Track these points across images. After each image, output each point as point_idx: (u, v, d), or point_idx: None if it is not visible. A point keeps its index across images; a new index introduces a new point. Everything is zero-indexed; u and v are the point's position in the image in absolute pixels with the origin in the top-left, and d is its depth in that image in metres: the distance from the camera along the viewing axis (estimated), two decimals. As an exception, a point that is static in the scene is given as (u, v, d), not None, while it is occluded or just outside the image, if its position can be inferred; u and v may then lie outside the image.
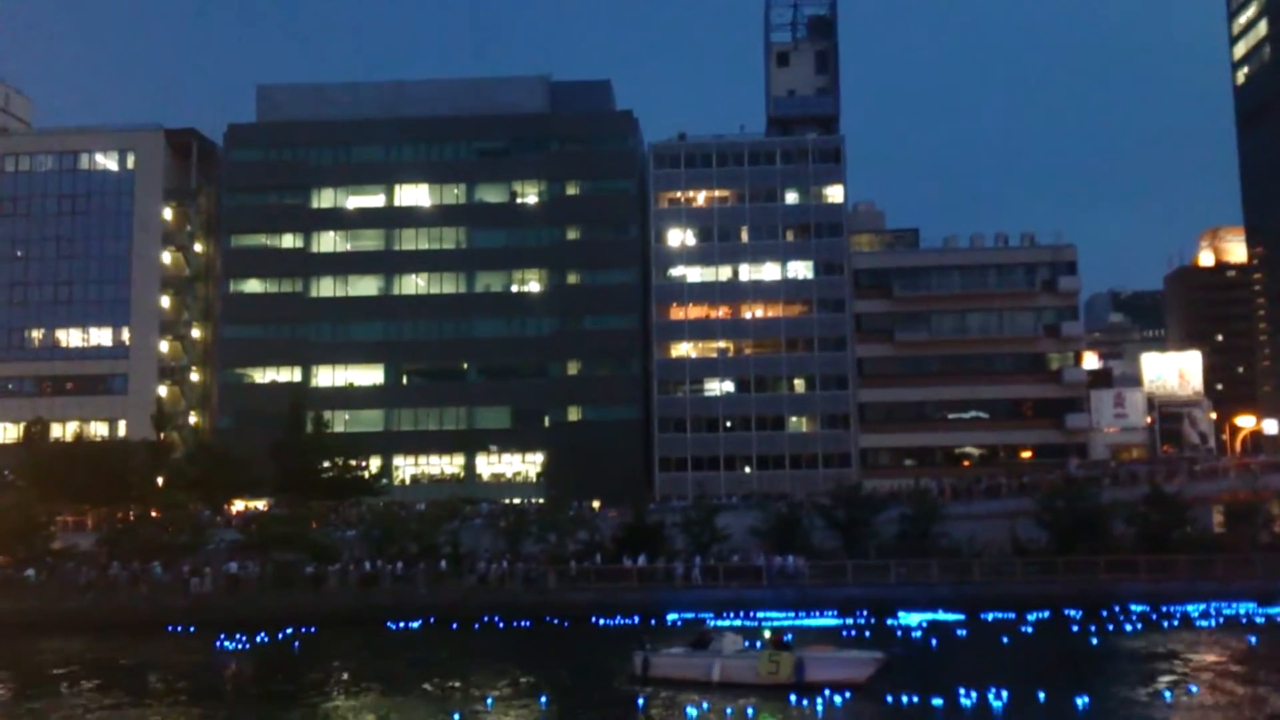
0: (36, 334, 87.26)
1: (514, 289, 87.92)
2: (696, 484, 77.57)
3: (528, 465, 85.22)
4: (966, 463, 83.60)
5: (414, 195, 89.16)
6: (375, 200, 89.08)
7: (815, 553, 58.20)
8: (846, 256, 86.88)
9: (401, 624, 50.45)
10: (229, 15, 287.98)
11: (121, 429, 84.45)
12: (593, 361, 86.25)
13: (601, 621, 50.41)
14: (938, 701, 28.66)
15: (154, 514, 65.60)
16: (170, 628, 50.46)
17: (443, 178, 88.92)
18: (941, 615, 49.64)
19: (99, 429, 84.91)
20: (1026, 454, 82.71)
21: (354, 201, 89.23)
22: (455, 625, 49.48)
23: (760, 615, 50.02)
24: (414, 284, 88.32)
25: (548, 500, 70.88)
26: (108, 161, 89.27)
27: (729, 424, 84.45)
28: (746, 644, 33.62)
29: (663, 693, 31.20)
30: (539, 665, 37.83)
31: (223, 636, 45.89)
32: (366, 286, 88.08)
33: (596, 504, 69.79)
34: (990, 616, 49.26)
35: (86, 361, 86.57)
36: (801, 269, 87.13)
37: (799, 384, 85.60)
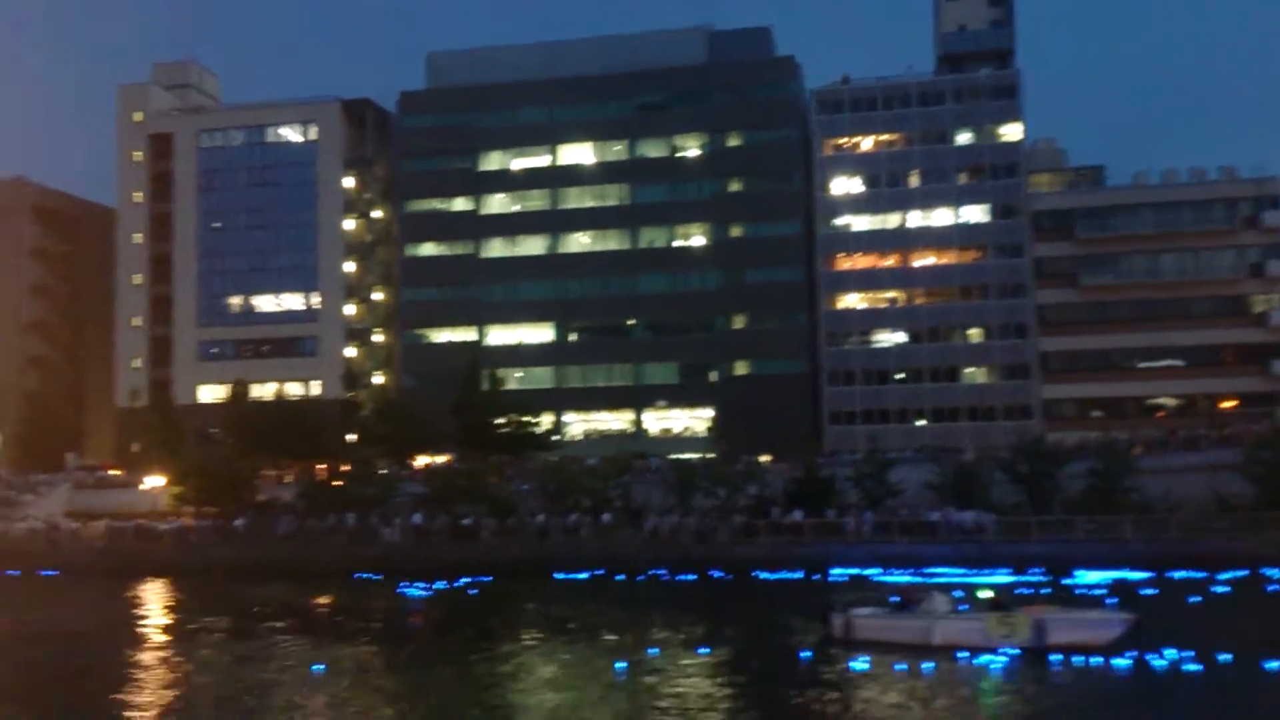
0: (235, 301, 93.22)
1: (678, 244, 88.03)
2: (867, 437, 76.29)
3: (695, 420, 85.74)
4: (1160, 414, 78.93)
5: (577, 154, 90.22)
6: (540, 160, 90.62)
7: (995, 508, 56.61)
8: (1025, 198, 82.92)
9: (570, 575, 51.97)
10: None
11: (314, 388, 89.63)
12: (758, 315, 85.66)
13: (764, 576, 50.54)
14: (1194, 666, 27.56)
15: (345, 468, 69.59)
16: (358, 575, 53.59)
17: (605, 135, 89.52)
18: (1127, 574, 47.44)
19: (294, 389, 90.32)
20: (1228, 404, 77.42)
21: (520, 163, 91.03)
22: (622, 577, 50.62)
23: (930, 572, 49.05)
24: (579, 242, 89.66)
25: (716, 455, 71.25)
26: (291, 134, 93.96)
27: (900, 376, 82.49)
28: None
29: (861, 655, 29.91)
30: (708, 618, 38.30)
31: (405, 584, 48.47)
32: (534, 246, 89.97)
33: (765, 458, 69.70)
34: (1180, 576, 46.78)
35: (280, 325, 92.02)
36: (976, 213, 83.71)
37: (974, 333, 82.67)
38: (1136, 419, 76.60)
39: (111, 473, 79.84)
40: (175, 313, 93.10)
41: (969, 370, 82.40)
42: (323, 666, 29.88)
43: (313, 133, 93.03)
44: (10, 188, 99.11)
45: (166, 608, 46.95)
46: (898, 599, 33.07)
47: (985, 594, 32.32)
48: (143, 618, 42.99)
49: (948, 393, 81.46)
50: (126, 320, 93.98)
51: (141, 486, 72.90)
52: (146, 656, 33.10)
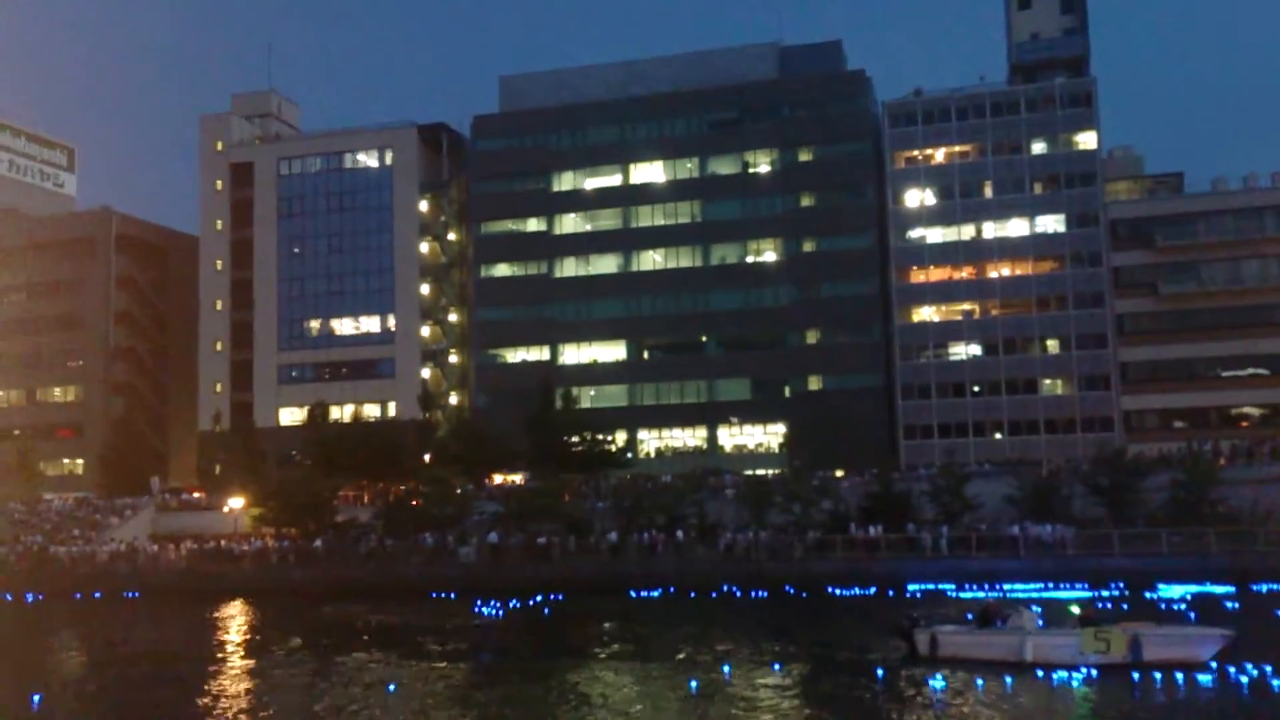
0: (314, 324, 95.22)
1: (750, 260, 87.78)
2: (944, 451, 75.04)
3: (769, 436, 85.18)
4: (1245, 423, 76.42)
5: (648, 172, 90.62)
6: (612, 180, 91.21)
7: (1076, 522, 55.42)
8: (1102, 206, 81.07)
9: (643, 593, 51.85)
10: (470, 9, 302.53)
11: (391, 409, 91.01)
12: (832, 329, 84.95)
13: (838, 592, 49.91)
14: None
15: (422, 488, 70.38)
16: (434, 594, 54.03)
17: (676, 153, 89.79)
18: (1209, 587, 45.92)
19: (372, 410, 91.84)
20: (1315, 412, 74.59)
21: (592, 182, 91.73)
22: (695, 594, 50.36)
23: (1007, 587, 48.02)
24: (651, 260, 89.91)
25: (791, 470, 70.69)
26: (368, 159, 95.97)
27: (976, 389, 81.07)
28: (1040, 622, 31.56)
29: (955, 671, 29.22)
30: (782, 635, 37.85)
31: (479, 602, 48.77)
32: (606, 265, 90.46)
33: (840, 473, 68.94)
34: (1264, 589, 45.16)
35: (358, 348, 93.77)
36: (1051, 223, 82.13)
37: (1052, 344, 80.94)
38: (1220, 429, 74.37)
39: (194, 495, 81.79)
40: (256, 337, 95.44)
41: (1047, 382, 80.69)
42: (394, 687, 30.09)
43: (389, 158, 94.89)
44: (97, 218, 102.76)
45: (246, 628, 47.79)
46: (973, 615, 32.41)
47: (1074, 609, 31.54)
48: (223, 639, 43.82)
49: (1025, 405, 79.82)
50: (209, 345, 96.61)
51: (223, 509, 74.58)
52: (225, 678, 33.68)
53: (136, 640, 43.52)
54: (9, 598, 59.91)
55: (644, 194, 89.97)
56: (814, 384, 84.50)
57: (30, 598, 59.78)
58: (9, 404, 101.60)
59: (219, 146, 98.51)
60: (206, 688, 31.12)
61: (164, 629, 47.70)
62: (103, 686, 32.97)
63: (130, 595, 59.73)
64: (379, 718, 26.94)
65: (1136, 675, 27.67)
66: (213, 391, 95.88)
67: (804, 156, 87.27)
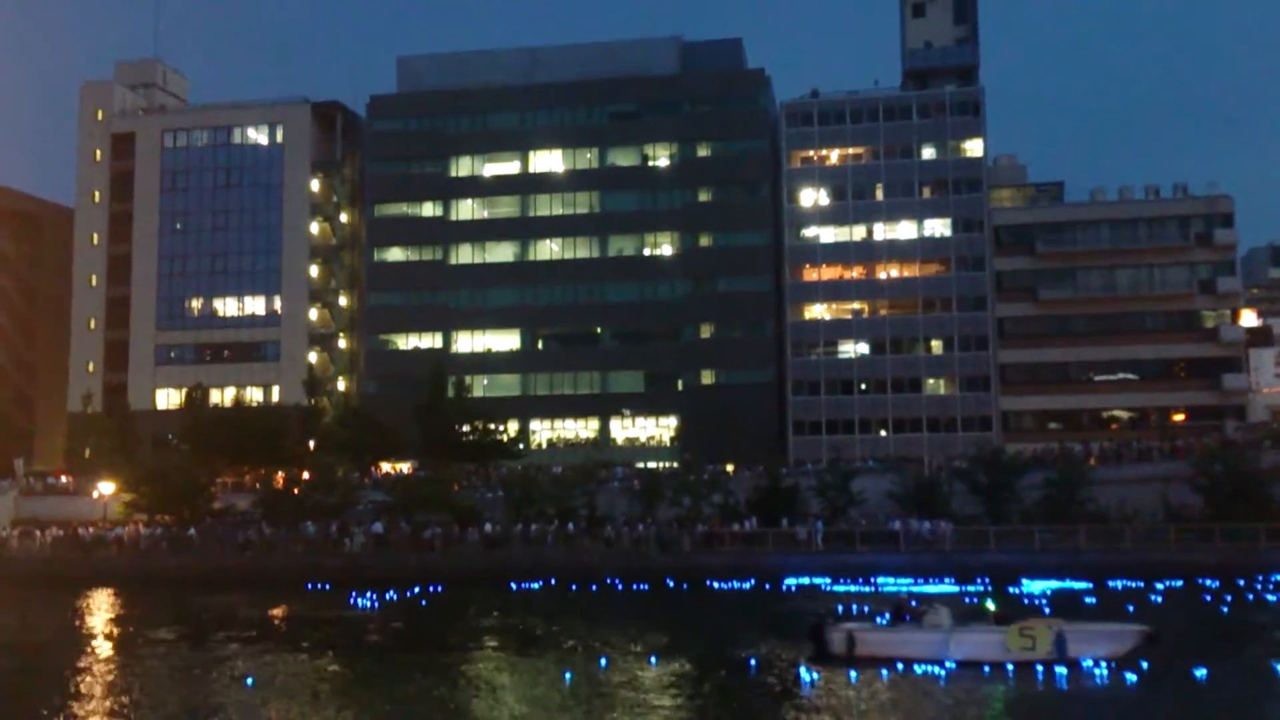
0: (196, 304, 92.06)
1: (646, 252, 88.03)
2: (831, 447, 76.60)
3: (661, 429, 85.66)
4: (1115, 426, 79.97)
5: (548, 161, 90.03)
6: (511, 167, 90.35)
7: (955, 518, 57.10)
8: (987, 212, 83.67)
9: (527, 584, 51.68)
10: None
11: (275, 394, 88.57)
12: (726, 324, 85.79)
13: (718, 585, 50.51)
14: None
15: (305, 476, 68.72)
16: (312, 585, 52.81)
17: (575, 143, 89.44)
18: (1069, 583, 47.99)
19: (255, 394, 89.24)
20: (1179, 417, 78.50)
21: (490, 169, 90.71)
22: (576, 586, 50.41)
23: (883, 581, 49.31)
24: (549, 249, 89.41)
25: (682, 464, 71.21)
26: (258, 136, 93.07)
27: (864, 386, 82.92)
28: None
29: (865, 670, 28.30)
30: (662, 628, 38.07)
31: (354, 594, 47.90)
32: (503, 253, 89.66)
33: (730, 467, 69.72)
34: (1119, 585, 47.40)
35: (241, 329, 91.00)
36: (939, 226, 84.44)
37: (936, 345, 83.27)
38: (1092, 431, 77.63)
39: (61, 479, 78.25)
40: (133, 315, 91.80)
41: (931, 381, 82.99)
42: (251, 680, 29.31)
43: (280, 135, 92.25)
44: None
45: (112, 618, 45.95)
46: (886, 613, 31.48)
47: (989, 605, 31.20)
48: (86, 628, 42.08)
49: (910, 404, 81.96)
50: (82, 323, 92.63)
51: (92, 494, 71.53)
52: (86, 668, 32.36)
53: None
54: None
55: (543, 183, 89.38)
56: (706, 378, 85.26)
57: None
58: None
59: (99, 116, 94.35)
60: (67, 679, 29.84)
61: (24, 618, 45.54)
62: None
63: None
64: (237, 710, 26.18)
65: (1063, 671, 27.77)
66: (85, 371, 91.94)
67: (702, 152, 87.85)
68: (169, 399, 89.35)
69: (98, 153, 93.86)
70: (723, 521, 59.00)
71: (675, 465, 72.97)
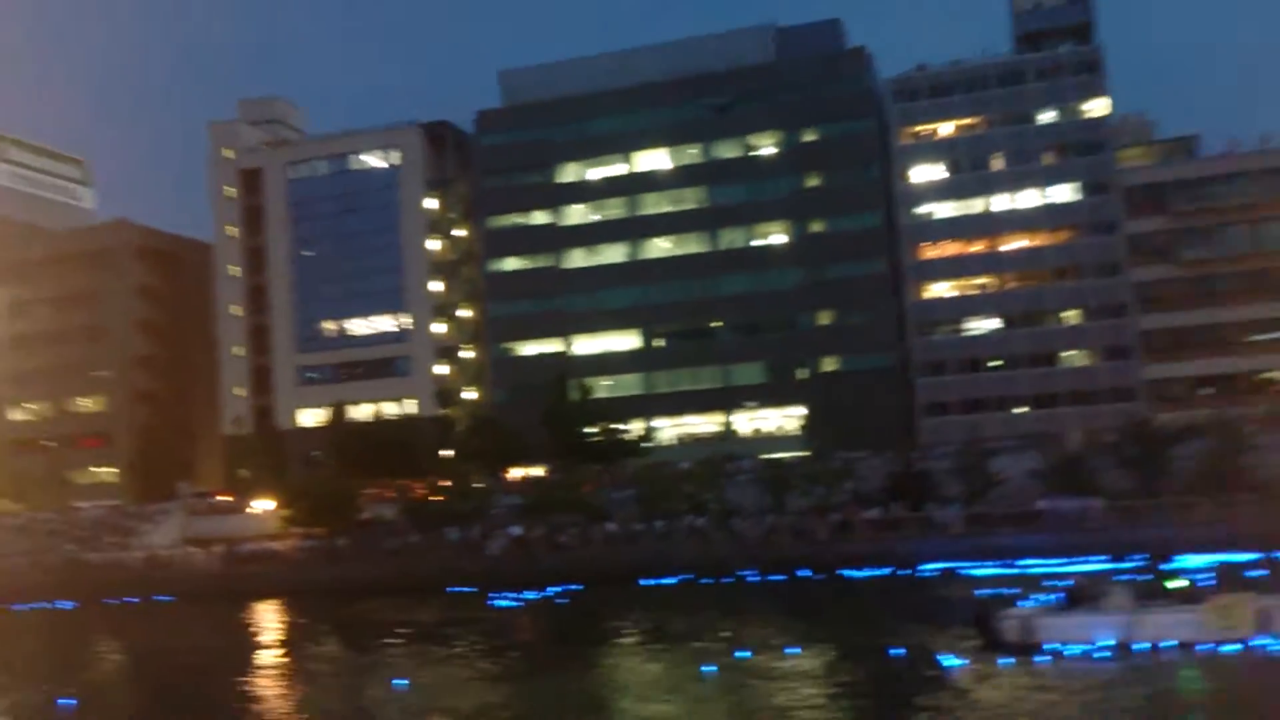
0: (329, 325, 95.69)
1: (757, 243, 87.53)
2: (963, 428, 74.71)
3: (786, 419, 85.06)
4: (1275, 388, 75.57)
5: (652, 160, 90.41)
6: (616, 169, 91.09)
7: (1104, 494, 55.03)
8: (1114, 173, 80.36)
9: (661, 580, 52.03)
10: (466, 4, 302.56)
11: (409, 407, 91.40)
12: (843, 310, 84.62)
13: (852, 574, 49.88)
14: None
15: (442, 484, 70.77)
16: (454, 589, 54.26)
17: (678, 139, 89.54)
18: (1231, 556, 45.60)
19: (390, 408, 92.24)
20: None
21: (596, 173, 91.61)
22: (711, 580, 50.52)
23: (1028, 563, 47.89)
24: (659, 247, 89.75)
25: (810, 453, 70.64)
26: (374, 160, 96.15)
27: (995, 363, 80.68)
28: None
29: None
30: (801, 619, 37.91)
31: (496, 596, 49.10)
32: (615, 254, 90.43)
33: (860, 454, 68.82)
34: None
35: (373, 347, 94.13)
36: (1064, 192, 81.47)
37: (1071, 315, 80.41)
38: (1249, 395, 73.47)
39: (222, 498, 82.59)
40: (273, 340, 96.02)
41: (1067, 354, 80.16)
42: (406, 682, 30.34)
43: (395, 158, 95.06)
44: (114, 229, 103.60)
45: (275, 628, 48.36)
46: (1061, 596, 29.46)
47: (1170, 584, 29.14)
48: (253, 638, 44.34)
49: (1047, 378, 79.36)
50: (228, 350, 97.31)
51: (250, 510, 75.25)
52: (255, 676, 34.14)
53: (171, 643, 44.09)
54: (42, 606, 60.65)
55: (649, 181, 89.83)
56: (829, 365, 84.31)
57: (64, 605, 60.52)
58: (38, 416, 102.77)
59: (228, 154, 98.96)
60: (240, 688, 31.58)
61: (197, 631, 48.32)
62: (139, 689, 33.50)
63: (163, 599, 60.43)
64: (397, 711, 27.23)
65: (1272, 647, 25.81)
66: (233, 396, 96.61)
67: (807, 137, 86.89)
68: (312, 417, 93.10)
69: (229, 189, 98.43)
70: (856, 509, 58.33)
71: (802, 455, 72.37)
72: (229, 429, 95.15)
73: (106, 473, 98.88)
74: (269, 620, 51.71)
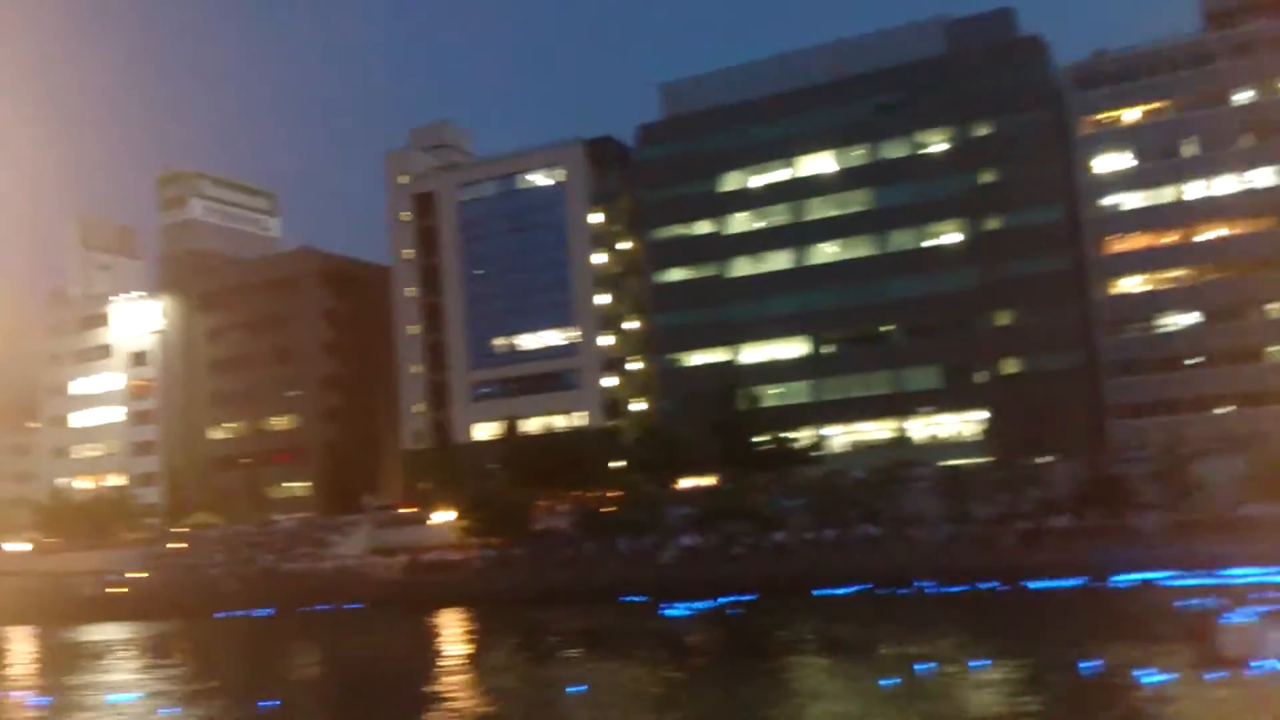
0: (500, 342, 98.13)
1: (929, 244, 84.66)
2: (1161, 430, 69.87)
3: (964, 424, 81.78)
4: None
5: (816, 163, 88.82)
6: (780, 175, 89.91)
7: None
8: (1324, 152, 73.94)
9: (834, 591, 50.53)
10: (623, 19, 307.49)
11: (579, 419, 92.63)
12: (1024, 309, 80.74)
13: (1036, 585, 47.07)
14: None
15: (612, 495, 71.22)
16: (624, 598, 54.25)
17: (843, 141, 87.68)
18: None
19: (560, 421, 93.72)
20: None
21: (759, 179, 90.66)
22: (888, 591, 48.72)
23: (1234, 573, 43.99)
24: (825, 252, 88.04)
25: (994, 458, 67.57)
26: (540, 179, 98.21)
27: (1194, 361, 75.34)
28: None
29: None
30: (984, 631, 36.01)
31: (667, 605, 48.73)
32: (780, 261, 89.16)
33: (1046, 459, 65.35)
34: None
35: (542, 361, 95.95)
36: (1266, 176, 75.50)
37: (1276, 308, 74.30)
38: None
39: (404, 510, 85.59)
40: (449, 358, 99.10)
41: (1274, 349, 74.08)
42: (583, 688, 30.28)
43: (559, 175, 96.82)
44: (300, 257, 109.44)
45: (458, 634, 49.47)
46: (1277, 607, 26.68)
47: None
48: (437, 644, 45.44)
49: (1252, 375, 73.56)
50: (407, 368, 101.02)
51: (431, 522, 77.62)
52: (440, 681, 34.82)
53: (361, 649, 45.69)
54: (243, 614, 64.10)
55: (813, 186, 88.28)
56: (1010, 367, 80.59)
57: (262, 613, 63.74)
58: (236, 434, 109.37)
59: (402, 180, 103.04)
60: (427, 692, 32.29)
61: (385, 637, 49.95)
62: (335, 693, 34.71)
63: (352, 607, 62.84)
64: (575, 717, 27.14)
65: None
66: (412, 412, 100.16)
67: (980, 131, 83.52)
68: (487, 431, 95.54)
69: (404, 214, 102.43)
70: (1044, 517, 55.29)
71: (980, 461, 69.31)
72: (409, 444, 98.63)
73: (299, 487, 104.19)
74: (450, 627, 52.98)
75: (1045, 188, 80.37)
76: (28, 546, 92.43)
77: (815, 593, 50.52)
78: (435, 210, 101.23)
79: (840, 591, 50.68)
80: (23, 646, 57.67)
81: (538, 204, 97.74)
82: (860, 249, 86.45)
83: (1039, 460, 64.66)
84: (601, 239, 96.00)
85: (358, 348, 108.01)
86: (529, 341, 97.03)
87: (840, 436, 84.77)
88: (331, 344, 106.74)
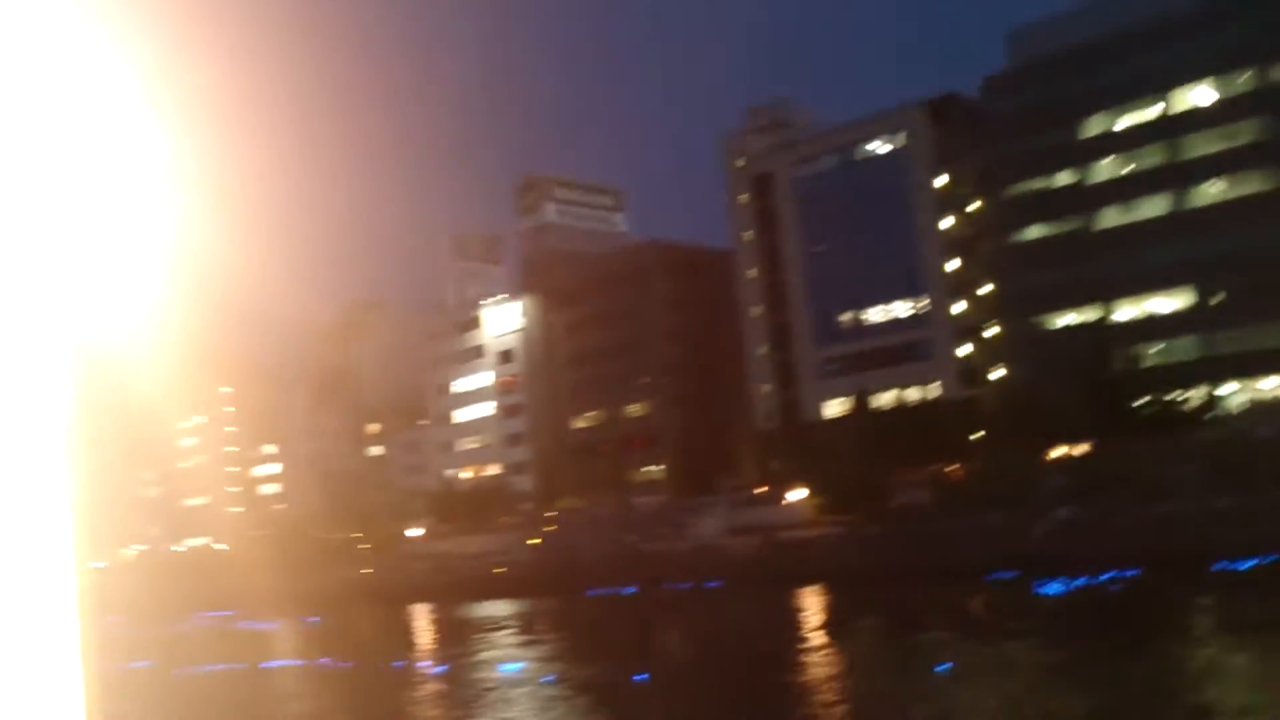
0: (845, 317, 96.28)
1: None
2: None
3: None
4: None
5: (1194, 96, 79.34)
6: (1149, 113, 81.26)
7: None
8: None
9: (1236, 564, 44.42)
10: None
11: (933, 390, 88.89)
12: None
13: None
14: None
15: (976, 466, 67.51)
16: (991, 575, 50.83)
17: (1225, 68, 77.62)
18: None
19: (913, 393, 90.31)
20: None
21: (1125, 120, 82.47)
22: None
23: None
24: (1209, 194, 78.38)
25: None
26: (879, 146, 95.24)
27: None
28: None
29: None
30: None
31: (1042, 582, 45.15)
32: (1155, 207, 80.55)
33: None
34: None
35: (891, 334, 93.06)
36: None
37: None
38: None
39: (759, 490, 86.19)
40: (794, 336, 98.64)
41: None
42: (949, 665, 28.38)
43: (900, 140, 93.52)
44: (645, 250, 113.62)
45: (816, 611, 48.80)
46: None
47: None
48: (797, 621, 44.97)
49: None
50: (753, 350, 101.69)
51: (785, 500, 77.51)
52: (805, 657, 34.29)
53: (722, 624, 46.26)
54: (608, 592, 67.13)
55: (1189, 121, 78.91)
56: None
57: (627, 590, 66.40)
58: (595, 422, 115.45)
59: (739, 163, 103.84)
60: (790, 667, 31.92)
61: (745, 613, 50.31)
62: (702, 666, 35.18)
63: (712, 584, 63.96)
64: (945, 697, 25.47)
65: None
66: (761, 392, 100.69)
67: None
68: (836, 408, 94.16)
69: (742, 196, 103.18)
70: None
71: None
72: (759, 424, 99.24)
73: (656, 470, 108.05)
74: (810, 604, 52.37)
75: None
76: (421, 531, 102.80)
77: (1215, 568, 44.76)
78: (773, 190, 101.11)
79: (1243, 565, 44.58)
80: (424, 622, 63.83)
81: (878, 172, 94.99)
82: (1250, 185, 76.29)
83: None
84: (948, 202, 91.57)
85: (705, 333, 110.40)
86: (876, 314, 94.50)
87: (1239, 395, 75.19)
88: (679, 331, 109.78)
